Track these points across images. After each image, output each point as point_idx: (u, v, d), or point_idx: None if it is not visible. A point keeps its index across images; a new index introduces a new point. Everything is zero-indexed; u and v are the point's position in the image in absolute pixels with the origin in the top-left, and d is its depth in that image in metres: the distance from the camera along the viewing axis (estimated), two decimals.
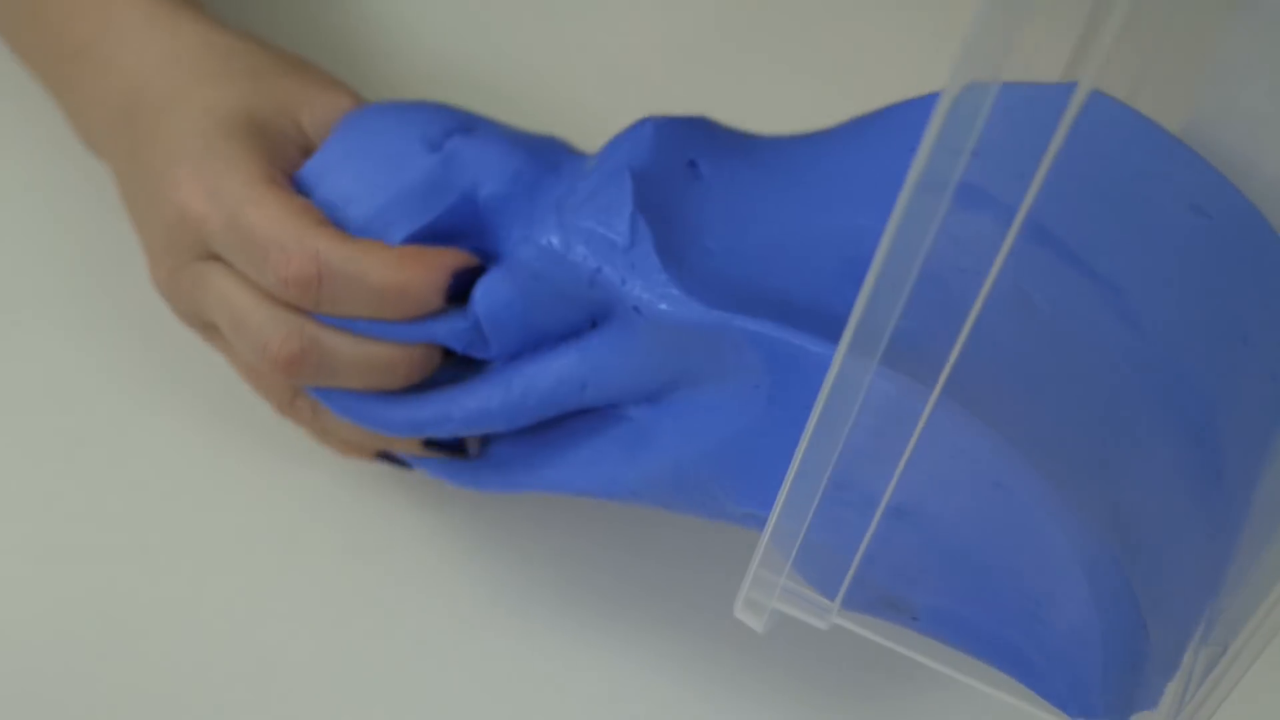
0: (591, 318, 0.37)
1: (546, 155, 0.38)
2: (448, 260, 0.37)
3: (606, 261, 0.35)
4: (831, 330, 0.32)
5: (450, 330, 0.38)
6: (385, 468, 0.44)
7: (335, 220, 0.38)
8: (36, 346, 0.47)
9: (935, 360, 0.27)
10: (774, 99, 0.45)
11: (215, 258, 0.39)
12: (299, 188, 0.39)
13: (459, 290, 0.37)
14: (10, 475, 0.45)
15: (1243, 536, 0.33)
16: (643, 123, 0.37)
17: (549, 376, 0.37)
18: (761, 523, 0.31)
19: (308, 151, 0.40)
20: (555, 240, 0.36)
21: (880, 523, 0.30)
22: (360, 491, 0.45)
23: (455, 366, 0.39)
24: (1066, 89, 0.26)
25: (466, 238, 0.38)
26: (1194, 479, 0.32)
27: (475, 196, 0.38)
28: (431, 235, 0.38)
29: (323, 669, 0.42)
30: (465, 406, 0.38)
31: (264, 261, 0.37)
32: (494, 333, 0.37)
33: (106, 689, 0.41)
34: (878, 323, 0.27)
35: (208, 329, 0.41)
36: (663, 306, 0.35)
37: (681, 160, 0.36)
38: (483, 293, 0.37)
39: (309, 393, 0.40)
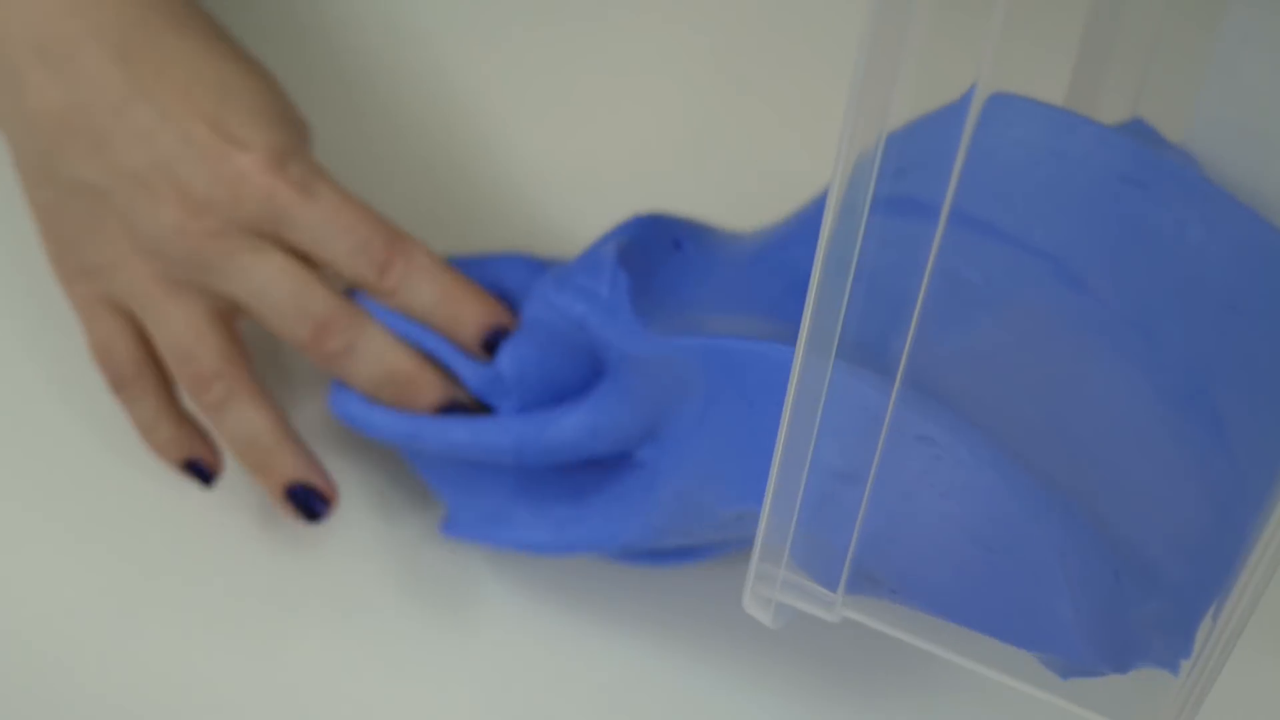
0: (596, 370, 0.42)
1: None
2: (502, 314, 0.44)
3: (591, 307, 0.41)
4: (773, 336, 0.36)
5: (475, 373, 0.43)
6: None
7: None
8: (35, 347, 0.48)
9: (878, 343, 0.30)
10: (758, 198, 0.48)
11: (268, 237, 0.42)
12: None
13: (491, 343, 0.43)
14: (8, 474, 0.46)
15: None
16: (635, 216, 0.43)
17: (566, 423, 0.42)
18: (753, 522, 0.34)
19: None
20: (552, 291, 0.42)
21: (844, 496, 0.33)
22: (361, 489, 0.47)
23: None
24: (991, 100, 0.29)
25: None
26: (1184, 445, 0.33)
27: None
28: None
29: (323, 669, 0.44)
30: (483, 440, 0.42)
31: (359, 247, 0.42)
32: (517, 386, 0.43)
33: (103, 690, 0.43)
34: (826, 320, 0.30)
35: (152, 299, 0.43)
36: (629, 341, 0.40)
37: (668, 240, 0.43)
38: (509, 350, 0.43)
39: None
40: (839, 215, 0.29)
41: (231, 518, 0.46)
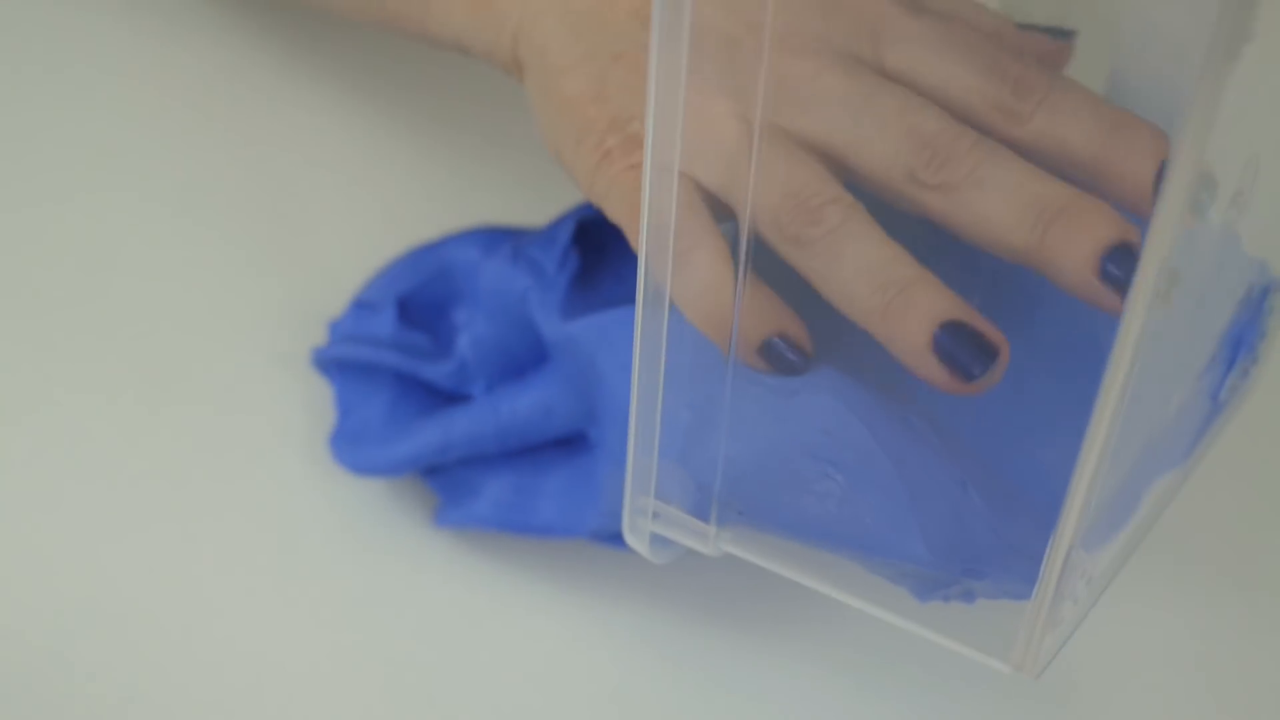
0: (546, 345, 0.43)
1: None
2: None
3: (535, 283, 0.42)
4: None
5: (440, 369, 0.44)
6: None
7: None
8: (35, 344, 0.49)
9: None
10: None
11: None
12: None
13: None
14: (8, 472, 0.46)
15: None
16: None
17: (524, 402, 0.43)
18: None
19: None
20: (505, 263, 0.43)
21: (697, 430, 0.35)
22: (358, 489, 0.47)
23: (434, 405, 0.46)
24: None
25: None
26: (1062, 383, 0.35)
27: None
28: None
29: (322, 665, 0.44)
30: (459, 431, 0.43)
31: (985, 64, 0.33)
32: (480, 367, 0.44)
33: (104, 689, 0.43)
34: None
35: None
36: (547, 328, 0.42)
37: None
38: (467, 333, 0.44)
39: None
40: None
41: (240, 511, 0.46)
